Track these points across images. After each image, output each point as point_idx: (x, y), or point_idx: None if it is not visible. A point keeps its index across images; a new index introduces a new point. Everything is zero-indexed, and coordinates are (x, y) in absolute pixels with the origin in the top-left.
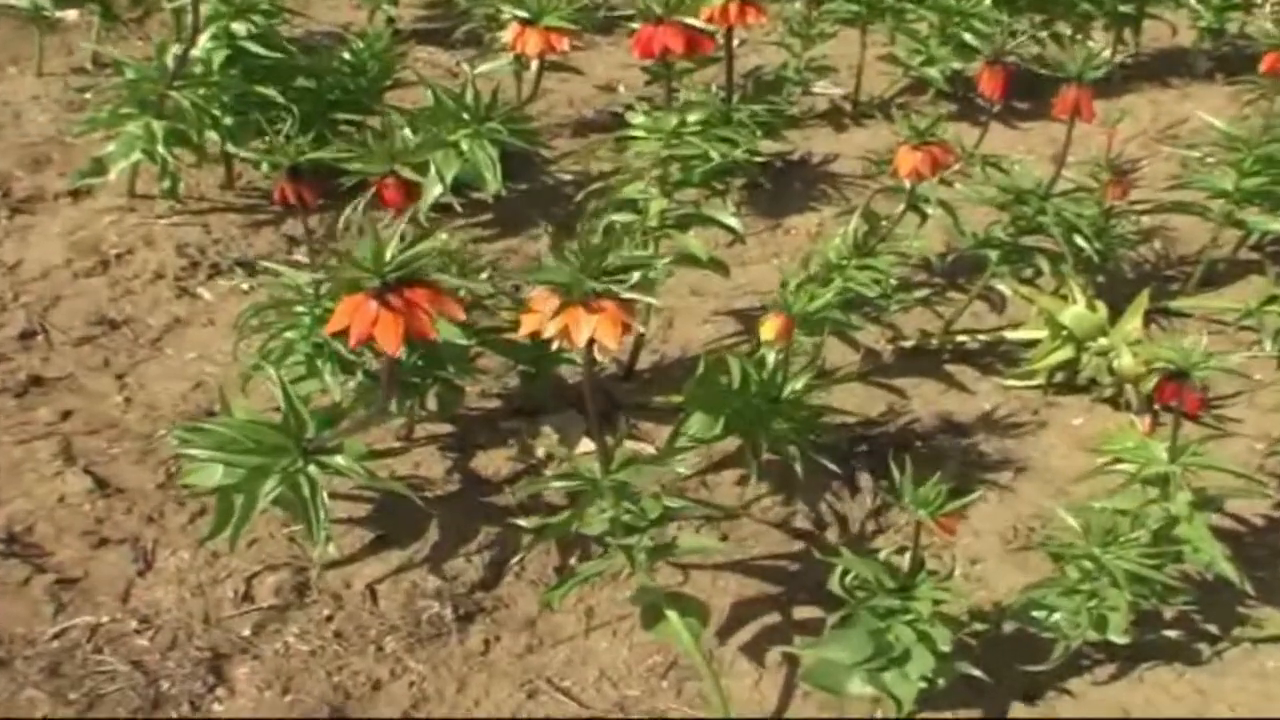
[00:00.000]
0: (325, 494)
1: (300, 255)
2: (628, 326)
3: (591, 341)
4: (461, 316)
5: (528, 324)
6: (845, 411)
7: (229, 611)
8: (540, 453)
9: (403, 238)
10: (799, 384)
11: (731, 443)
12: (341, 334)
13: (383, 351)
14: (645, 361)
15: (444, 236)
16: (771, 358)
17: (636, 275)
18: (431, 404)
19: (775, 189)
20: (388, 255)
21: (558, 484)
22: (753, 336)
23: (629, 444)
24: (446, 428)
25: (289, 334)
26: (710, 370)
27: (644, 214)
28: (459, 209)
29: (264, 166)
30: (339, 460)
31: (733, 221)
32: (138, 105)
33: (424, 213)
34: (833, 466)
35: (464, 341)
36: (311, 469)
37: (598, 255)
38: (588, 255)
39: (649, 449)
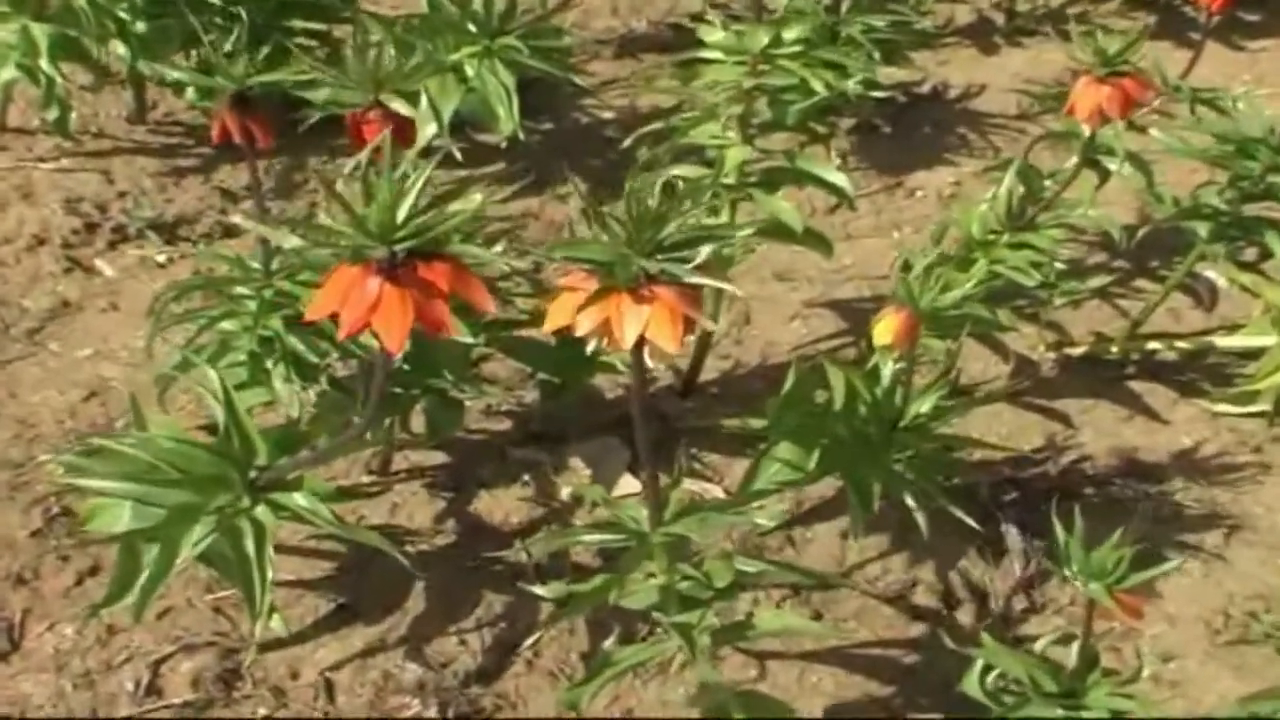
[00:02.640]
0: (271, 547)
1: (239, 217)
2: (691, 322)
3: (642, 342)
4: (492, 308)
5: (555, 316)
6: (988, 444)
7: (127, 710)
8: (565, 494)
9: (426, 192)
10: (925, 405)
11: (829, 485)
12: (313, 328)
13: (378, 349)
14: (712, 370)
15: (478, 196)
16: (888, 369)
17: (705, 251)
18: (418, 424)
19: (897, 134)
20: (401, 214)
21: (589, 538)
22: (862, 339)
23: (688, 484)
24: (438, 457)
25: (226, 324)
26: (802, 385)
27: (717, 167)
28: (459, 156)
29: (191, 93)
30: (299, 500)
31: (838, 179)
32: (10, 1)
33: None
34: (970, 520)
35: (465, 339)
36: (260, 510)
37: (652, 224)
38: (638, 223)
39: (716, 491)
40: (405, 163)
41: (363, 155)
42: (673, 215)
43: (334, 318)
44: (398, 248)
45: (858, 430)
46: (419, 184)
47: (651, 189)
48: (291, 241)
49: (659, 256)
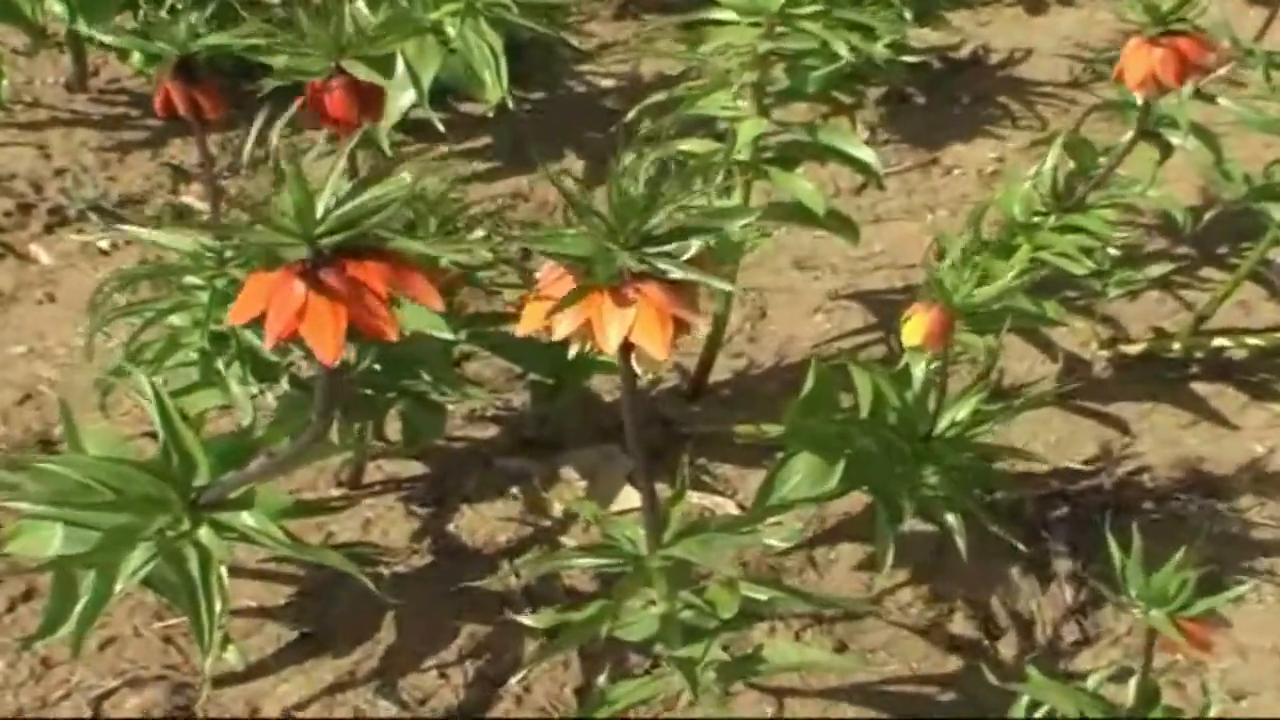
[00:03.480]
0: (224, 570)
1: (192, 197)
2: (684, 324)
3: (628, 347)
4: (438, 303)
5: (529, 318)
6: (1033, 455)
7: None
8: (557, 510)
9: (351, 176)
10: (962, 411)
11: (855, 500)
12: (254, 324)
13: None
14: (723, 370)
15: (406, 176)
16: (920, 370)
17: (695, 244)
18: (394, 431)
19: (932, 104)
20: (321, 207)
21: (583, 561)
22: (891, 335)
23: (694, 499)
24: (415, 467)
25: (175, 320)
26: (823, 387)
27: (728, 142)
28: (441, 128)
29: (136, 58)
30: (246, 519)
31: (865, 154)
32: None
33: (387, 134)
34: (1013, 540)
35: (446, 336)
36: (203, 533)
37: (638, 212)
38: (621, 211)
39: (727, 507)
40: (373, 138)
41: (265, 133)
42: (662, 201)
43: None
44: (323, 244)
45: (886, 439)
46: (338, 168)
47: (641, 170)
48: (193, 240)
49: (645, 250)
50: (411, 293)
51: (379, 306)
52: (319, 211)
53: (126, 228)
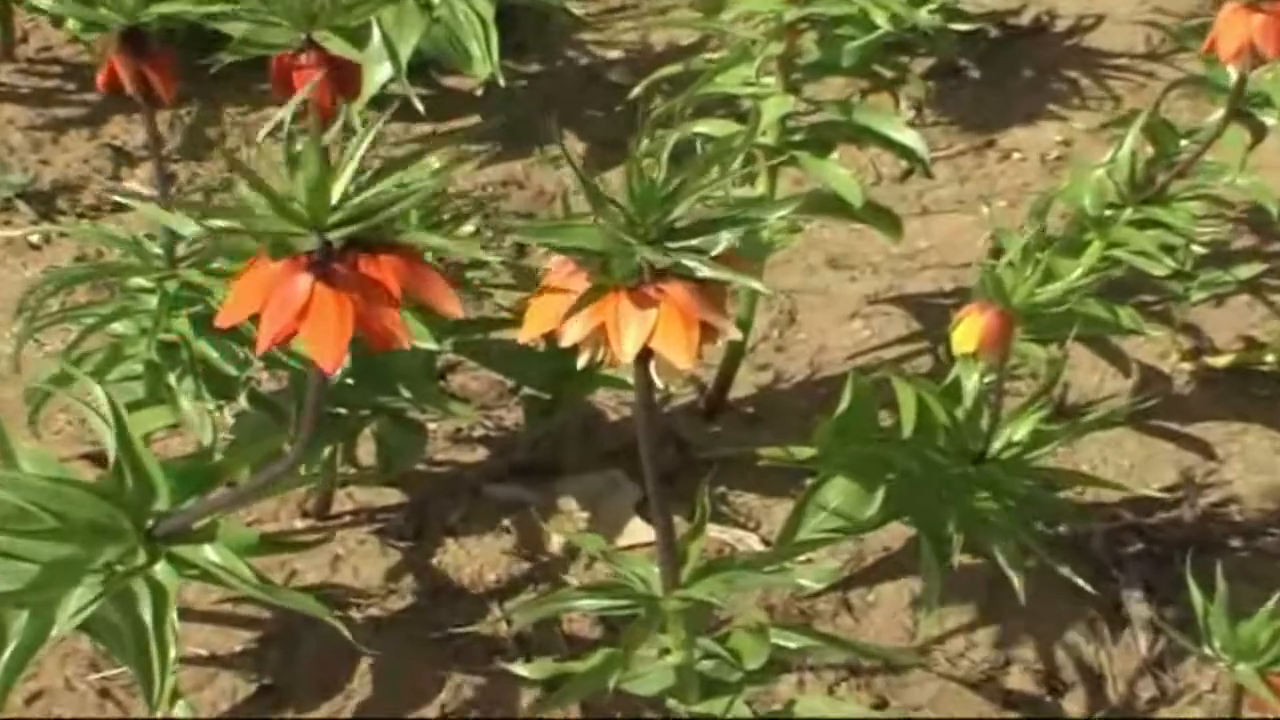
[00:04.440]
0: (175, 614)
1: (136, 183)
2: (711, 330)
3: (647, 356)
4: (457, 309)
5: (535, 320)
6: (1104, 482)
7: None
8: (556, 545)
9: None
10: (1021, 431)
11: (898, 534)
12: (231, 331)
13: (311, 365)
14: (746, 384)
15: (434, 161)
16: (972, 383)
17: (726, 238)
18: (367, 454)
19: (987, 79)
20: (337, 191)
21: (585, 603)
22: (940, 344)
23: (714, 532)
24: (392, 496)
25: (119, 326)
26: (862, 404)
27: (752, 123)
28: (420, 107)
29: (72, 24)
30: (210, 555)
31: (910, 137)
32: None
33: (359, 112)
34: (1080, 580)
35: (428, 345)
36: (160, 569)
37: (660, 200)
38: (641, 200)
39: (751, 541)
40: (345, 118)
41: (284, 112)
42: (688, 189)
43: (255, 319)
44: (333, 236)
45: (934, 463)
46: (360, 150)
47: (661, 153)
48: (190, 227)
49: (668, 244)
50: (427, 294)
51: (391, 309)
52: (336, 193)
53: (61, 219)
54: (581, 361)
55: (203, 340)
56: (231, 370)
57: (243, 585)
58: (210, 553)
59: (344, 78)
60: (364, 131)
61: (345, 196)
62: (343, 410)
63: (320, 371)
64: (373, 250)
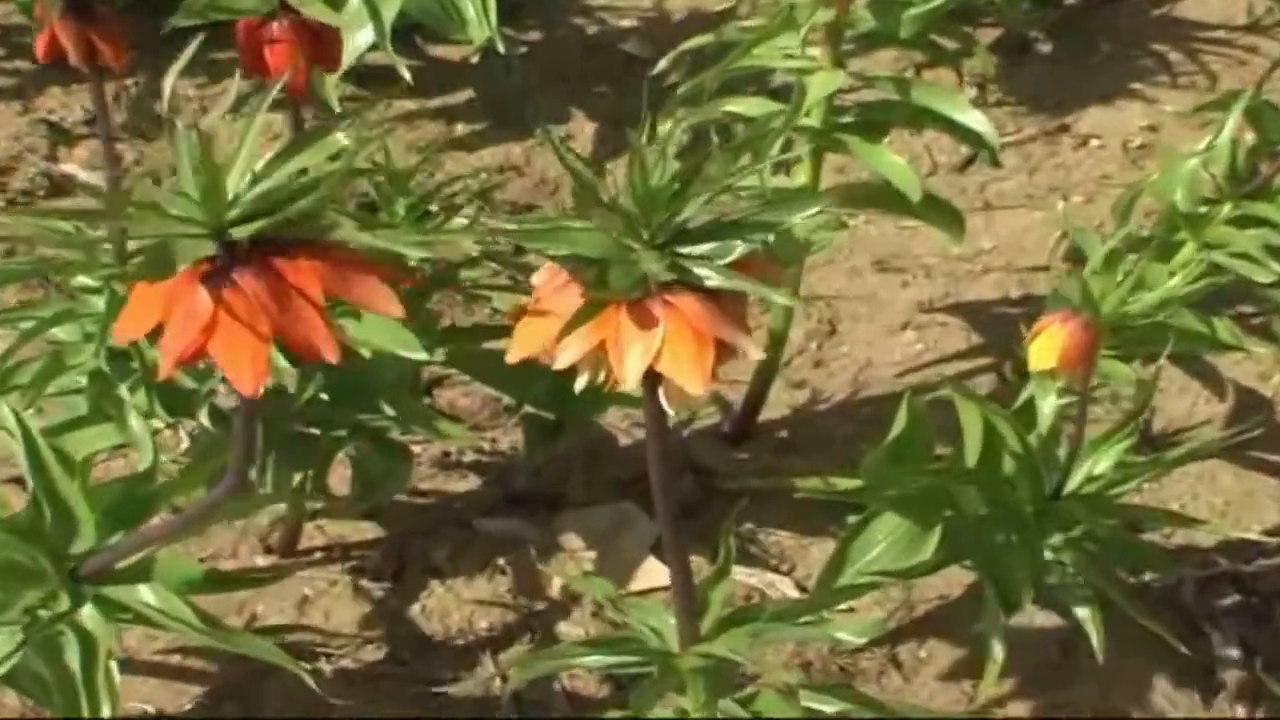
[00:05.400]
0: (113, 664)
1: (75, 165)
2: (729, 348)
3: (654, 379)
4: (397, 309)
5: (523, 340)
6: (1196, 522)
7: None
8: (557, 589)
9: (294, 141)
10: (1103, 463)
11: (954, 579)
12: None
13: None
14: (780, 405)
15: (342, 138)
16: (1048, 405)
17: (740, 246)
18: (340, 481)
19: (1062, 53)
20: (233, 183)
21: (591, 658)
22: (1008, 360)
23: (741, 575)
24: (368, 530)
25: (59, 332)
26: (915, 428)
27: (794, 102)
28: (407, 78)
29: None
30: (144, 595)
31: (974, 120)
32: None
33: (335, 86)
34: (1167, 636)
35: (415, 355)
36: (86, 613)
37: (668, 195)
38: (646, 199)
39: (784, 587)
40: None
41: (270, 92)
42: (701, 184)
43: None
44: (235, 236)
45: (1000, 497)
46: (254, 129)
47: (672, 139)
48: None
49: (677, 249)
50: (359, 297)
51: (314, 317)
52: (230, 191)
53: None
54: (579, 385)
55: (158, 348)
56: (190, 383)
57: (185, 629)
58: (145, 593)
59: (321, 45)
60: (254, 105)
61: (240, 190)
62: (314, 430)
63: (243, 396)
64: (287, 250)
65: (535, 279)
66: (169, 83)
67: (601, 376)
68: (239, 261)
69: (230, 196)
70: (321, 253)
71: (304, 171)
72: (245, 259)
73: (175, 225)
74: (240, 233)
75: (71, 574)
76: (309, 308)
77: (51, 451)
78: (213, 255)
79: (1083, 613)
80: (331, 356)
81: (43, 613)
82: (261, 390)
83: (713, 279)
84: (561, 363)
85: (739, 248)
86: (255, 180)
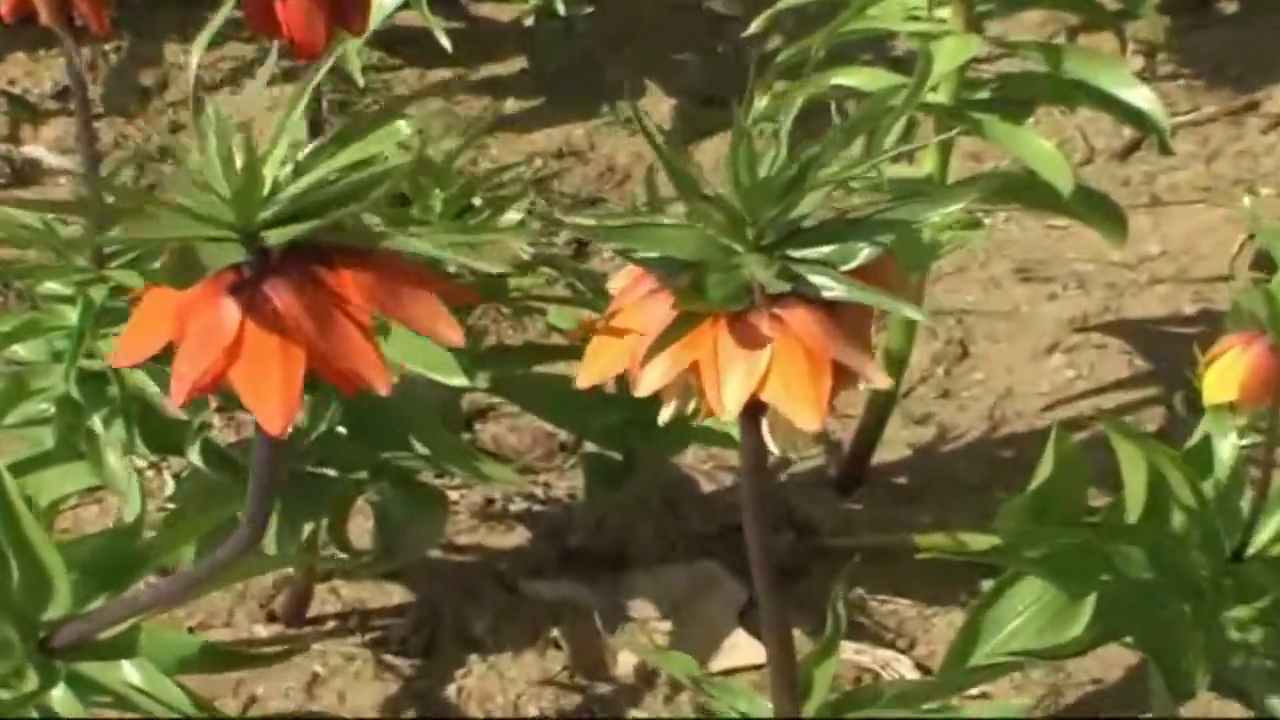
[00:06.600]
0: None
1: (42, 146)
2: (849, 374)
3: (758, 409)
4: (457, 336)
5: (598, 360)
6: None
7: None
8: (624, 666)
9: (313, 126)
10: None
11: (1112, 659)
12: (146, 366)
13: (256, 422)
14: (898, 444)
15: (404, 127)
16: (1228, 446)
17: (865, 249)
18: (360, 533)
19: (1247, 15)
20: (270, 174)
21: None
22: (1176, 390)
23: (850, 651)
24: (393, 594)
25: (21, 349)
26: (1065, 473)
27: (918, 74)
28: (446, 45)
29: None
30: (128, 674)
31: (1139, 97)
32: None
33: (359, 53)
34: None
35: (451, 381)
36: (58, 696)
37: (779, 189)
38: (751, 192)
39: (902, 666)
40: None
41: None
42: (819, 172)
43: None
44: (269, 241)
45: (1169, 560)
46: (298, 112)
47: (784, 119)
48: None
49: (788, 252)
50: (412, 318)
51: (359, 340)
52: (269, 176)
53: None
54: (665, 415)
55: (139, 370)
56: (179, 413)
57: (174, 713)
58: (129, 671)
59: (344, 2)
60: (301, 86)
61: (278, 185)
62: (328, 470)
63: (266, 436)
64: (328, 259)
65: (613, 285)
66: (196, 53)
67: (691, 407)
68: (272, 271)
69: (272, 185)
70: (369, 263)
71: (357, 165)
72: (279, 268)
73: (194, 225)
74: (277, 237)
75: (42, 646)
76: (354, 328)
77: (22, 495)
78: (241, 263)
79: (1274, 702)
80: (382, 388)
81: (3, 694)
82: (288, 429)
83: (832, 289)
84: (645, 387)
85: (864, 251)
86: (298, 173)
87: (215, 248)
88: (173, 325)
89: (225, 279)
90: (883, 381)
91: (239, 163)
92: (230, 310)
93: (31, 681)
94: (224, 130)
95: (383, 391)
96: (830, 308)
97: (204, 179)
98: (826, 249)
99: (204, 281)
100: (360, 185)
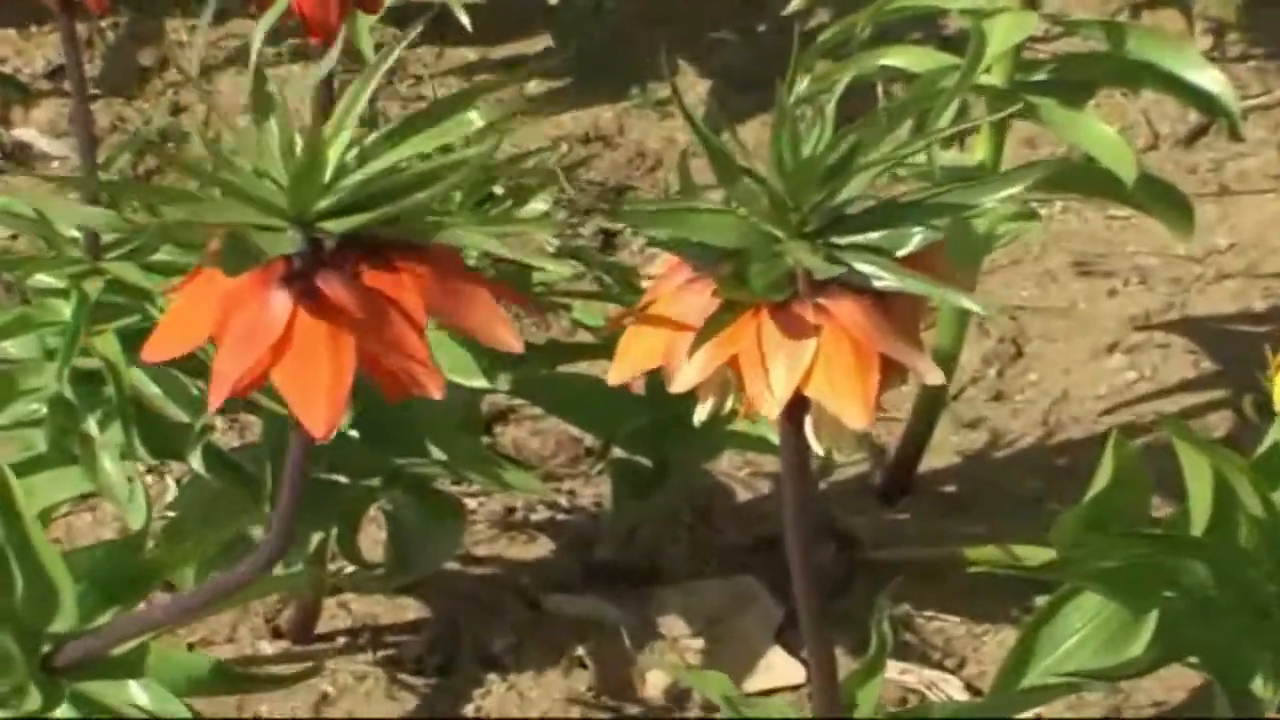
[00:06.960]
0: None
1: (34, 130)
2: (898, 368)
3: (800, 407)
4: (515, 341)
5: (631, 354)
6: None
7: None
8: (655, 686)
9: (324, 107)
10: None
11: (1175, 680)
12: (180, 362)
13: (293, 423)
14: (946, 449)
15: (475, 117)
16: None
17: (917, 236)
18: (372, 544)
19: None
20: (335, 157)
21: None
22: (1247, 395)
23: (896, 671)
24: (409, 608)
25: (11, 346)
26: (1126, 482)
27: (970, 53)
28: (467, 24)
29: None
30: (135, 694)
31: (1208, 79)
32: None
33: (371, 29)
34: None
35: (470, 382)
36: (61, 716)
37: (824, 173)
38: (794, 175)
39: (950, 687)
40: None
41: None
42: (867, 156)
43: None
44: (324, 233)
45: (1236, 575)
46: (365, 95)
47: (829, 102)
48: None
49: (834, 240)
50: (468, 319)
51: (414, 340)
52: (333, 159)
53: None
54: (701, 414)
55: (138, 368)
56: (181, 414)
57: None
58: (136, 692)
59: None
60: (375, 63)
61: (340, 172)
62: (338, 477)
63: (305, 435)
64: (382, 253)
65: (650, 272)
66: (259, 33)
67: (729, 405)
68: (324, 264)
69: (335, 170)
70: (426, 259)
71: (425, 156)
72: (332, 260)
73: (245, 210)
74: (335, 227)
75: (45, 663)
76: (409, 328)
77: (24, 502)
78: (292, 254)
79: None
80: (436, 391)
81: (3, 713)
82: (333, 433)
83: (883, 278)
84: (683, 383)
85: (916, 237)
86: (362, 161)
87: (268, 236)
88: (216, 318)
89: (276, 269)
90: (935, 377)
91: (299, 148)
92: (281, 301)
93: (34, 700)
94: (284, 113)
95: (436, 395)
96: (878, 298)
97: (259, 162)
98: (875, 235)
99: (252, 272)
100: (427, 176)
